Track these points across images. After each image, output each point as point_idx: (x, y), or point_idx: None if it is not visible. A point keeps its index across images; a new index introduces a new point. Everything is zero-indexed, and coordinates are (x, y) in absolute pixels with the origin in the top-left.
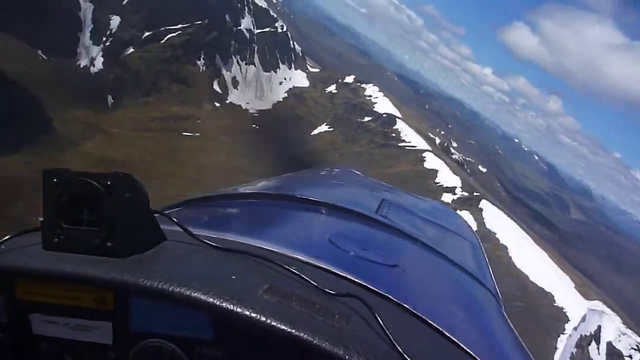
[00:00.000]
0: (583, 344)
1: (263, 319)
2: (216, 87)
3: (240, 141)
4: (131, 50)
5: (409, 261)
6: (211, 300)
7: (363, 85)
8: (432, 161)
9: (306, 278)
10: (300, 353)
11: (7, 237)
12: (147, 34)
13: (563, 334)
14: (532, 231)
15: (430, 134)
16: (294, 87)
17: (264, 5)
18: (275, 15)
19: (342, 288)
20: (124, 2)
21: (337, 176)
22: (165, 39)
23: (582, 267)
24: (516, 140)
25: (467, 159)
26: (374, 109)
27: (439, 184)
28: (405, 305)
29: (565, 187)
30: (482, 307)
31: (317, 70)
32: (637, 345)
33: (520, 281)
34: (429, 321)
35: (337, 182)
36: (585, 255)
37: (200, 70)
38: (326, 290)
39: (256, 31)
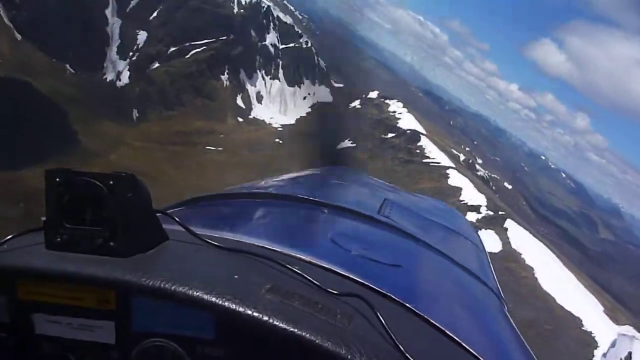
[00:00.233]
0: None
1: (265, 318)
2: (240, 102)
3: (263, 156)
4: (157, 64)
5: (411, 261)
6: (213, 299)
7: (387, 101)
8: (456, 178)
9: (308, 277)
10: (303, 353)
11: (9, 237)
12: (172, 49)
13: None
14: (559, 251)
15: (454, 150)
16: (317, 102)
17: (289, 21)
18: (300, 31)
19: (345, 288)
20: (151, 18)
21: (339, 176)
22: (191, 54)
23: (612, 289)
24: (543, 157)
25: (493, 175)
26: (398, 125)
27: (463, 202)
28: (408, 305)
29: (593, 206)
30: (485, 307)
31: (341, 85)
32: None
33: (546, 304)
34: (432, 321)
35: (339, 182)
36: (614, 277)
37: (225, 85)
38: (328, 289)
39: (281, 46)
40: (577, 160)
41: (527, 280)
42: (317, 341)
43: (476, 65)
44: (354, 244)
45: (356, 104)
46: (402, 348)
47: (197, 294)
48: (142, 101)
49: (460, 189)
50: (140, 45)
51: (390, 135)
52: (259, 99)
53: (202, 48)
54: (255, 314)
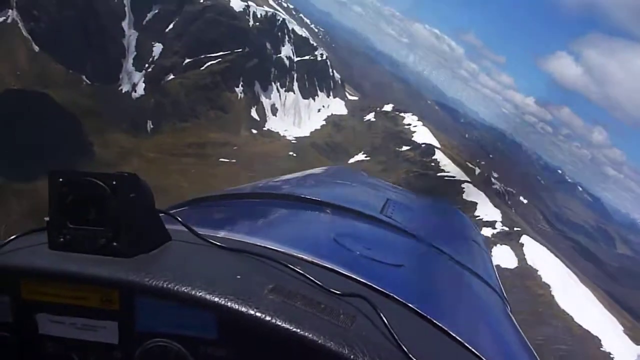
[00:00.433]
0: None
1: (268, 318)
2: (254, 114)
3: (276, 168)
4: (171, 76)
5: (414, 261)
6: (216, 299)
7: (402, 114)
8: (471, 193)
9: (311, 278)
10: (305, 353)
11: (13, 237)
12: (187, 60)
13: None
14: (576, 267)
15: (470, 163)
16: (332, 114)
17: (305, 34)
18: (315, 44)
19: (347, 288)
20: (167, 30)
21: (341, 176)
22: (206, 65)
23: (631, 307)
24: (560, 171)
25: (508, 189)
26: (413, 138)
27: (478, 217)
28: (411, 305)
29: (611, 220)
30: (488, 307)
31: (356, 98)
32: None
33: (564, 322)
34: (435, 321)
35: (342, 182)
36: (633, 294)
37: (239, 97)
38: (331, 290)
39: (296, 59)
40: (594, 174)
41: (544, 298)
42: (319, 341)
43: (492, 78)
44: (356, 244)
45: (371, 116)
46: (405, 348)
47: (200, 294)
48: (156, 113)
49: (476, 203)
50: (155, 57)
51: (404, 148)
52: (274, 111)
53: (217, 60)
54: (258, 314)
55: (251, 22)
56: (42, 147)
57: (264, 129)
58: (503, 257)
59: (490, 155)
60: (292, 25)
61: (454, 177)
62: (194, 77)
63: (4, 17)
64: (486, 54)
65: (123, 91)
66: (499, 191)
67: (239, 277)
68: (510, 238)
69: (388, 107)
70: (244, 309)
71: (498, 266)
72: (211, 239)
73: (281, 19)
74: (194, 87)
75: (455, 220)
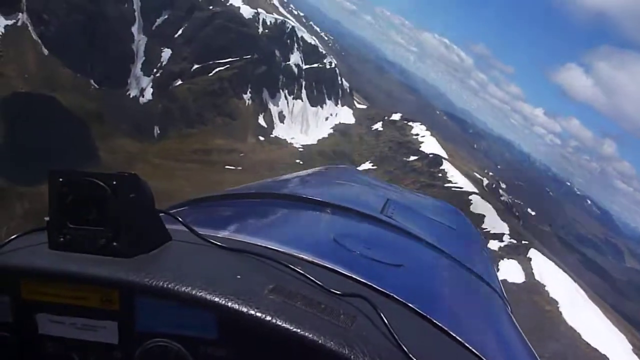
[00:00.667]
0: None
1: (268, 318)
2: (261, 121)
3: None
4: (180, 82)
5: (414, 261)
6: (216, 299)
7: (410, 124)
8: (479, 205)
9: (311, 278)
10: (305, 353)
11: (13, 237)
12: (196, 66)
13: None
14: (584, 281)
15: (477, 174)
16: (339, 123)
17: (314, 41)
18: (324, 52)
19: (348, 288)
20: (176, 36)
21: (341, 175)
22: (214, 72)
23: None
24: (568, 183)
25: (516, 201)
26: (420, 148)
27: (485, 230)
28: (411, 305)
29: (620, 234)
30: (488, 307)
31: (364, 107)
32: None
33: (571, 340)
34: (435, 321)
35: (342, 182)
36: None
37: (247, 104)
38: (331, 290)
39: (304, 66)
40: (603, 187)
41: (551, 314)
42: (320, 341)
43: (501, 89)
44: (356, 244)
45: (378, 125)
46: (405, 348)
47: (200, 294)
48: (163, 118)
49: (483, 216)
50: (164, 63)
51: (412, 158)
52: (281, 118)
53: (225, 66)
54: (258, 314)
55: (260, 29)
56: (48, 150)
57: (272, 136)
58: (510, 271)
59: (499, 166)
60: (302, 32)
61: (461, 188)
62: (202, 83)
63: (14, 20)
64: (495, 64)
65: (131, 96)
66: (507, 202)
67: (239, 277)
68: (518, 252)
69: (396, 116)
70: (244, 309)
71: (505, 280)
72: (211, 239)
73: (290, 27)
74: (202, 93)
75: (455, 220)
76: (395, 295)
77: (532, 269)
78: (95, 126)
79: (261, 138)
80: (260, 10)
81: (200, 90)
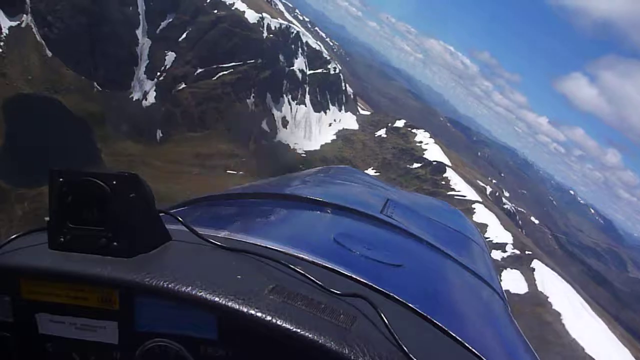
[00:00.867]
0: None
1: (268, 318)
2: (264, 125)
3: None
4: (183, 85)
5: (414, 261)
6: (216, 300)
7: (414, 131)
8: (482, 214)
9: (311, 278)
10: (306, 353)
11: (13, 237)
12: (200, 70)
13: None
14: (587, 292)
15: (481, 182)
16: (343, 129)
17: (319, 47)
18: (328, 57)
19: (348, 288)
20: (180, 39)
21: (341, 175)
22: (217, 76)
23: None
24: (571, 192)
25: (519, 209)
26: (424, 155)
27: (488, 239)
28: (411, 305)
29: (623, 244)
30: (488, 307)
31: (368, 113)
32: None
33: (574, 353)
34: (435, 321)
35: (342, 182)
36: None
37: (250, 108)
38: (331, 290)
39: (309, 72)
40: (607, 196)
41: (554, 326)
42: (320, 341)
43: (505, 97)
44: (357, 244)
45: (382, 132)
46: (405, 348)
47: (200, 294)
48: (166, 121)
49: (486, 225)
50: (168, 66)
51: (415, 165)
52: (284, 123)
53: (229, 71)
54: (258, 314)
55: (265, 34)
56: (50, 151)
57: (274, 140)
58: (513, 282)
59: (502, 174)
60: (306, 38)
61: (464, 196)
62: (206, 87)
63: (19, 22)
64: (500, 72)
65: (134, 99)
66: (510, 211)
67: (239, 277)
68: (521, 262)
69: (400, 123)
70: (244, 309)
71: (507, 291)
72: (211, 239)
73: (295, 32)
74: (205, 97)
75: (455, 220)
76: (395, 295)
77: (535, 280)
78: (97, 128)
79: (264, 142)
80: (265, 14)
81: (204, 94)
